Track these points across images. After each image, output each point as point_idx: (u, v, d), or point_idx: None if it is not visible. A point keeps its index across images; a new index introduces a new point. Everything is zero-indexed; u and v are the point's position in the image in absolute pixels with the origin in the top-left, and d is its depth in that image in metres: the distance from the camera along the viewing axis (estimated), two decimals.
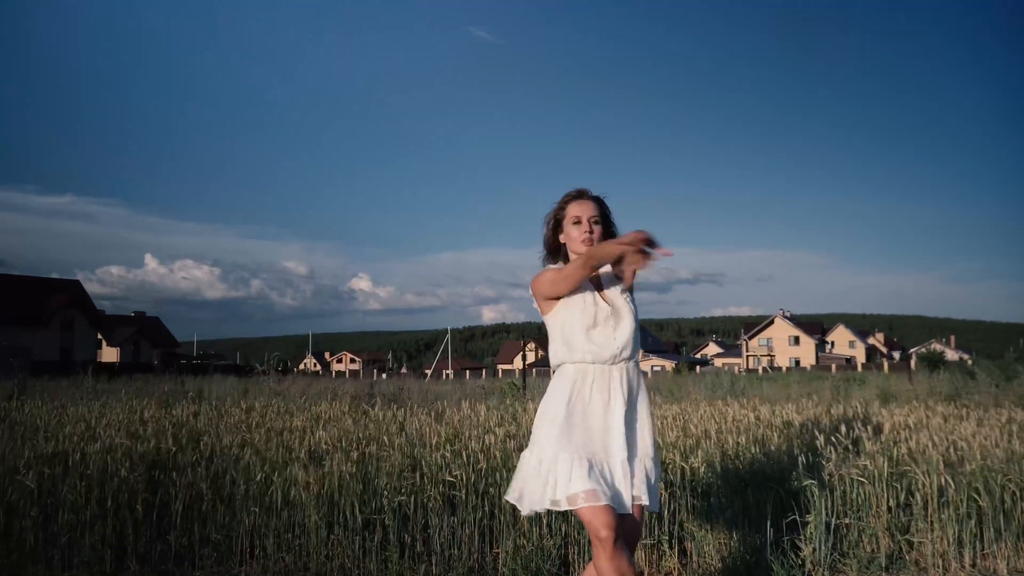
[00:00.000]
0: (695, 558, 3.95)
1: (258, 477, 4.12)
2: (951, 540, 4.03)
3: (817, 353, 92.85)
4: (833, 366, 57.09)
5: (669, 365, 78.17)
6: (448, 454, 4.43)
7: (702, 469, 4.18)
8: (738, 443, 4.77)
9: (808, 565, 3.84)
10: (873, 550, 4.04)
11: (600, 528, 2.45)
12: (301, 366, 77.74)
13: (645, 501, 2.63)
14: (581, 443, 2.62)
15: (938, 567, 4.00)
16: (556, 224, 2.93)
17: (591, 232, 2.84)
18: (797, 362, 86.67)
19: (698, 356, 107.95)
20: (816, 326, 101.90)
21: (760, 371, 54.48)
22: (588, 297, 2.81)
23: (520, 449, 4.82)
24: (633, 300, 2.87)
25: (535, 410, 7.04)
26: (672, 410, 7.31)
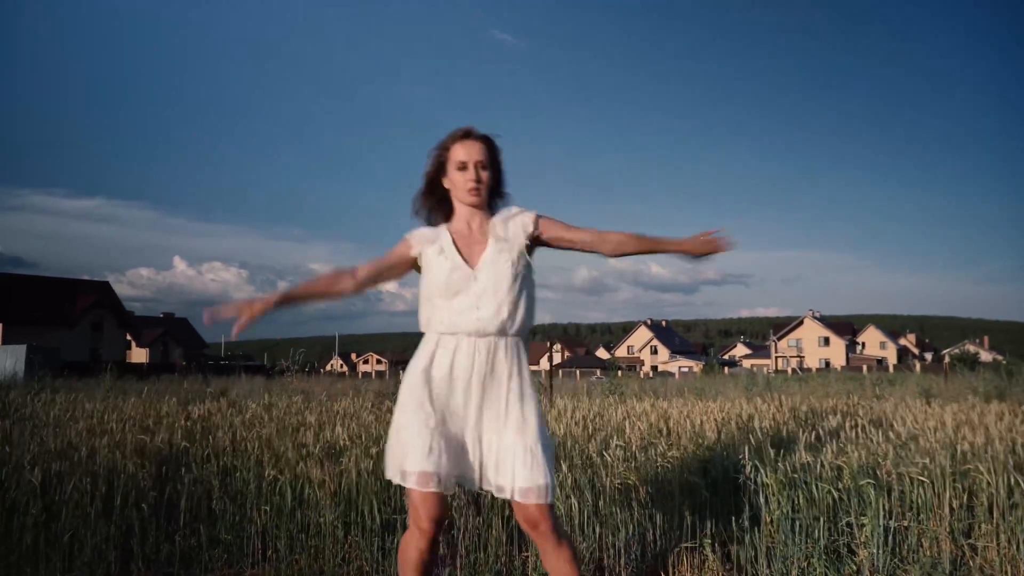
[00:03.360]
0: (741, 562, 3.64)
1: (269, 475, 3.88)
2: (1021, 544, 3.68)
3: (847, 354, 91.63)
4: (864, 367, 56.11)
5: (697, 366, 77.45)
6: None
7: (748, 467, 3.87)
8: (784, 440, 4.45)
9: (865, 571, 3.52)
10: (935, 555, 3.70)
11: (423, 519, 2.36)
12: (328, 367, 78.02)
13: (530, 483, 2.33)
14: (431, 417, 2.39)
15: (1007, 574, 3.65)
16: (439, 167, 2.59)
17: (478, 180, 2.52)
18: (827, 363, 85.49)
19: (726, 357, 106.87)
20: (846, 327, 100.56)
21: (790, 372, 53.68)
22: (454, 259, 2.52)
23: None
24: (526, 265, 2.54)
25: (560, 410, 6.77)
26: (710, 406, 6.98)
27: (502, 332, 2.45)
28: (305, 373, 16.95)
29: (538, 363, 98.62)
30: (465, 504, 3.76)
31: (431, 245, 2.56)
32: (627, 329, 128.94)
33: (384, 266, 2.63)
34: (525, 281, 2.51)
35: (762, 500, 3.69)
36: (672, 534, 3.78)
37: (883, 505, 3.61)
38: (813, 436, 4.16)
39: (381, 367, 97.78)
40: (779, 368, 78.93)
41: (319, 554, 3.70)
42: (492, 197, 2.62)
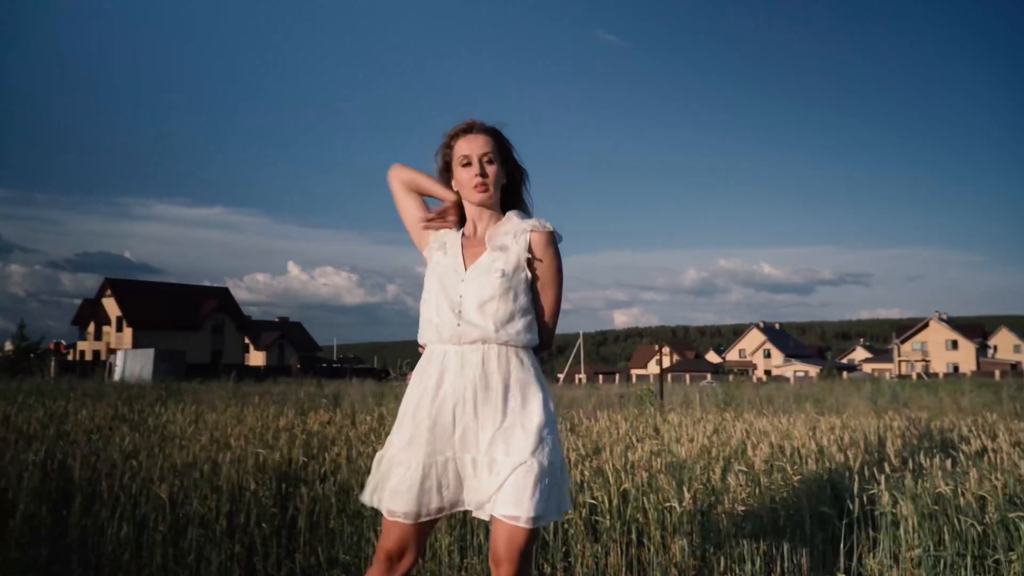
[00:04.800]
0: None
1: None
2: None
3: (978, 358, 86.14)
4: (997, 372, 52.66)
5: (813, 371, 74.63)
6: (588, 472, 4.05)
7: (884, 497, 3.60)
8: (919, 465, 4.13)
9: None
10: None
11: (384, 545, 2.20)
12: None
13: (503, 511, 2.08)
14: (413, 440, 2.20)
15: None
16: (445, 167, 2.41)
17: (484, 175, 2.31)
18: (956, 368, 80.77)
19: (845, 361, 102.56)
20: (976, 329, 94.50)
21: (914, 377, 50.93)
22: (455, 259, 2.33)
23: (667, 469, 4.38)
24: (525, 280, 2.27)
25: (676, 422, 6.55)
26: (834, 422, 6.62)
27: (486, 340, 2.21)
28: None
29: (646, 367, 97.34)
30: (583, 533, 3.65)
31: (439, 240, 2.41)
32: (738, 332, 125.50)
33: (411, 196, 2.49)
34: (519, 292, 2.26)
35: (901, 533, 3.42)
36: (803, 568, 3.56)
37: None
38: (949, 462, 3.83)
39: None
40: (903, 373, 75.10)
41: None
42: (509, 196, 2.43)
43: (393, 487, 2.19)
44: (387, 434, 5.56)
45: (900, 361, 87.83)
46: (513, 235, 2.31)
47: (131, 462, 4.31)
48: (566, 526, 3.66)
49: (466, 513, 3.65)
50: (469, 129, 2.36)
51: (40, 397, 9.47)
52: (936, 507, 3.54)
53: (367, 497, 2.28)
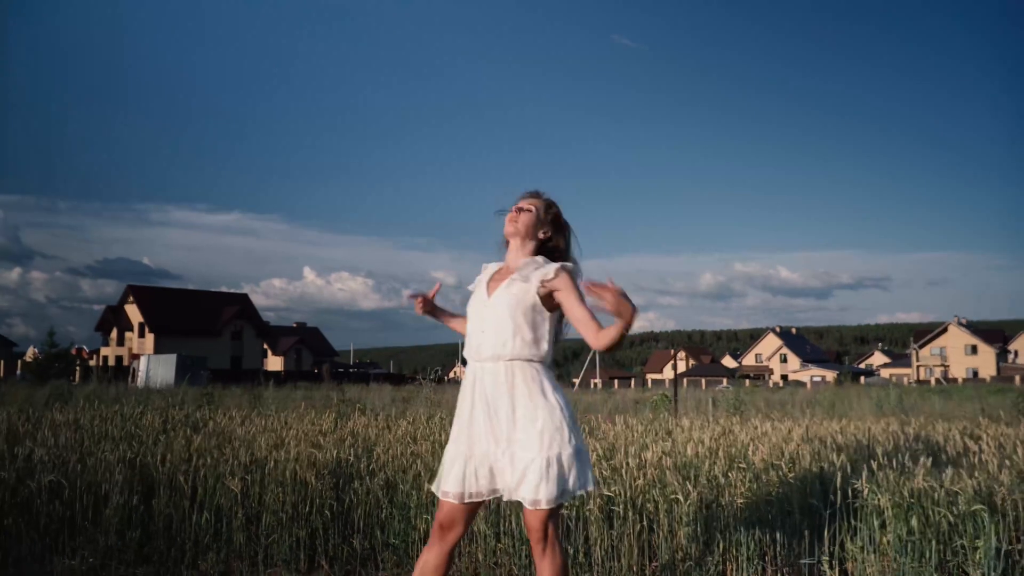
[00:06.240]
0: None
1: (427, 488, 4.46)
2: None
3: (998, 363, 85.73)
4: (1017, 377, 52.56)
5: (830, 375, 74.63)
6: (606, 470, 4.61)
7: (865, 490, 4.13)
8: (903, 464, 4.66)
9: None
10: None
11: (438, 519, 2.79)
12: (452, 374, 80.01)
13: (523, 496, 2.65)
14: (458, 437, 2.81)
15: None
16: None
17: (516, 220, 2.91)
18: (975, 373, 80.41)
19: (862, 366, 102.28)
20: (996, 334, 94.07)
21: (932, 383, 51.01)
22: (481, 288, 2.94)
23: (677, 467, 4.95)
24: (533, 304, 2.79)
25: (689, 425, 7.07)
26: (832, 427, 7.14)
27: (499, 357, 2.74)
28: (435, 383, 17.83)
29: (661, 371, 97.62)
30: (600, 521, 4.21)
31: (479, 277, 3.05)
32: (755, 336, 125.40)
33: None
34: (531, 312, 2.77)
35: (876, 523, 3.96)
36: (792, 551, 4.10)
37: (996, 530, 3.80)
38: (931, 462, 4.36)
39: None
40: (921, 378, 74.94)
41: (473, 559, 4.25)
42: (553, 255, 2.93)
43: (443, 473, 2.83)
44: (422, 436, 6.13)
45: (918, 366, 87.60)
46: (534, 267, 2.86)
47: (202, 459, 4.91)
48: (586, 514, 4.22)
49: (499, 502, 4.24)
50: (531, 195, 3.00)
51: (92, 400, 10.11)
52: (912, 499, 4.08)
53: (434, 486, 2.90)
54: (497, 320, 2.77)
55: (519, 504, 2.77)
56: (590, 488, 2.74)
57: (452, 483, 2.77)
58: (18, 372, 38.11)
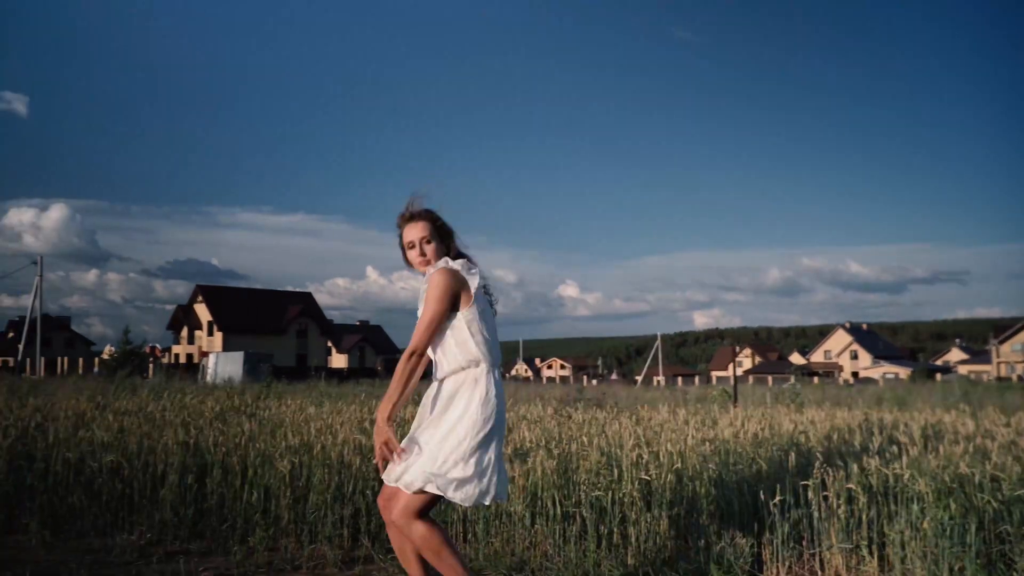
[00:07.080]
0: (897, 565, 3.86)
1: None
2: None
3: None
4: None
5: (904, 372, 72.46)
6: (645, 455, 4.64)
7: (906, 476, 4.07)
8: (949, 452, 4.57)
9: None
10: None
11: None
12: (513, 372, 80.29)
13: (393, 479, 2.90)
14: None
15: None
16: (402, 249, 3.17)
17: (424, 255, 3.07)
18: None
19: (939, 363, 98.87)
20: None
21: (1014, 379, 49.04)
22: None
23: (717, 453, 4.95)
24: (461, 315, 2.97)
25: (740, 418, 7.04)
26: (884, 416, 7.00)
27: (440, 376, 3.04)
28: None
29: (726, 368, 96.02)
30: (638, 502, 4.24)
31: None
32: (824, 333, 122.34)
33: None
34: (433, 323, 2.95)
35: (916, 507, 3.89)
36: (828, 535, 4.06)
37: None
38: (972, 448, 4.26)
39: (565, 372, 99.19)
40: (1002, 375, 72.09)
41: (510, 539, 4.33)
42: (451, 255, 3.12)
43: None
44: None
45: (999, 363, 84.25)
46: (426, 278, 3.06)
47: (253, 442, 5.11)
48: (622, 496, 4.26)
49: (535, 488, 4.29)
50: (409, 219, 3.13)
51: (158, 391, 10.54)
52: (953, 484, 4.00)
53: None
54: (442, 342, 3.04)
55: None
56: (487, 502, 2.92)
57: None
58: (95, 369, 39.72)
